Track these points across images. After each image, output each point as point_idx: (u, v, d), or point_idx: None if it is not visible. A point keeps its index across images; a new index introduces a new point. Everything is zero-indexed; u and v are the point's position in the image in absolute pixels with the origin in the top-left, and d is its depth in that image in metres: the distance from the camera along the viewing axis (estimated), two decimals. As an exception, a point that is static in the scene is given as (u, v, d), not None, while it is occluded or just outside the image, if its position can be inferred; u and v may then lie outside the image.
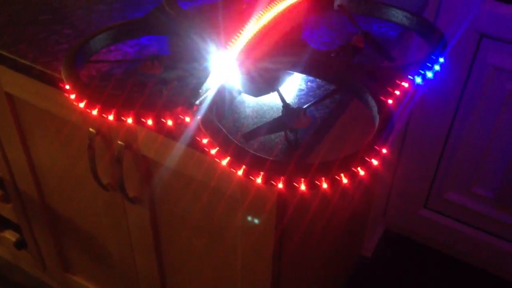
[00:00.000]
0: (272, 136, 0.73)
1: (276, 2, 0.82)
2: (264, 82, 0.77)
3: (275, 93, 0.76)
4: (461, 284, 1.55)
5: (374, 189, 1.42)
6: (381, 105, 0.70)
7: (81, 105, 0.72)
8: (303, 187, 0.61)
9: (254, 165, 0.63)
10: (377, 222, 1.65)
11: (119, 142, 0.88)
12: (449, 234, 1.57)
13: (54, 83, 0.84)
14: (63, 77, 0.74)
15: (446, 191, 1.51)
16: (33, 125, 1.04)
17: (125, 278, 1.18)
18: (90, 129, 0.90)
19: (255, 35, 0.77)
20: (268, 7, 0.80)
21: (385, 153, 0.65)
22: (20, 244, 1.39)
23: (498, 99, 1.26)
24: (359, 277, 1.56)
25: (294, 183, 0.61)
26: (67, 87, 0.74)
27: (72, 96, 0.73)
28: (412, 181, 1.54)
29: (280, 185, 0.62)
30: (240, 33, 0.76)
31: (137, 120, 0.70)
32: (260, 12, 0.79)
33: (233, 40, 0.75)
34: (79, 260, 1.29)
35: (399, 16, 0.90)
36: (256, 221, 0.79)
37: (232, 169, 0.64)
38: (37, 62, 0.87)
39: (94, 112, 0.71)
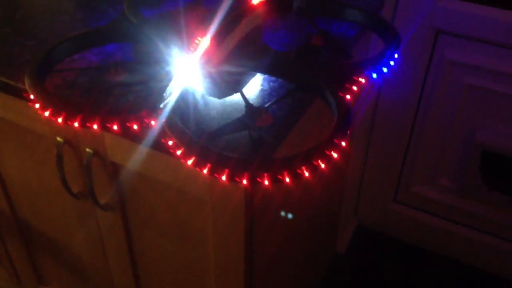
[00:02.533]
0: (237, 135, 0.75)
1: (236, 6, 0.84)
2: (226, 84, 0.79)
3: (239, 94, 0.78)
4: (434, 275, 1.59)
5: (343, 186, 1.45)
6: (339, 100, 0.72)
7: (46, 114, 0.73)
8: (266, 182, 0.63)
9: (219, 163, 0.65)
10: (349, 219, 1.68)
11: (87, 149, 0.89)
12: (419, 226, 1.61)
13: (18, 94, 0.85)
14: (26, 86, 0.75)
15: (413, 184, 1.55)
16: (-1, 137, 1.04)
17: (100, 285, 1.18)
18: (58, 138, 0.90)
19: (216, 38, 0.79)
20: (228, 11, 0.83)
21: (345, 146, 0.67)
22: (-8, 260, 1.37)
23: (457, 92, 1.31)
24: (334, 274, 1.58)
25: (258, 179, 0.63)
26: (32, 97, 0.75)
27: (37, 106, 0.74)
28: (380, 177, 1.58)
29: (244, 181, 0.64)
30: (201, 37, 0.78)
31: (103, 126, 0.71)
32: (221, 16, 0.81)
33: (195, 44, 0.77)
34: (53, 271, 1.29)
35: (355, 16, 0.94)
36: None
37: (197, 168, 0.66)
38: (0, 74, 0.87)
39: (59, 120, 0.72)
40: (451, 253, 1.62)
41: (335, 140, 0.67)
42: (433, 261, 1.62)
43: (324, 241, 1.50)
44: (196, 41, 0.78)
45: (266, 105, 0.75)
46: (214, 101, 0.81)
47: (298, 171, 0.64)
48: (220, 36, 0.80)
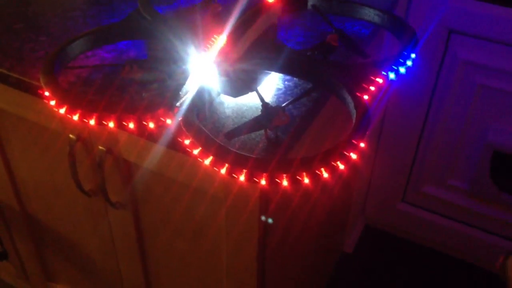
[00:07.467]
0: (253, 135, 0.74)
1: (251, 4, 0.83)
2: (242, 83, 0.79)
3: (254, 93, 0.77)
4: (442, 275, 1.58)
5: (353, 185, 1.45)
6: (357, 100, 0.72)
7: (62, 111, 0.72)
8: (285, 182, 0.63)
9: (237, 163, 0.64)
10: (357, 218, 1.67)
11: (100, 147, 0.88)
12: (427, 227, 1.60)
13: (32, 91, 0.84)
14: (42, 83, 0.74)
15: (422, 184, 1.54)
16: (11, 133, 1.03)
17: (110, 284, 1.17)
18: (70, 136, 0.90)
19: (231, 36, 0.79)
20: (244, 9, 0.82)
21: (363, 147, 0.67)
22: (1, 256, 1.37)
23: (469, 93, 1.30)
24: (341, 273, 1.58)
25: (276, 179, 0.63)
26: (46, 93, 0.74)
27: (52, 103, 0.73)
28: (389, 176, 1.57)
29: (263, 182, 0.63)
30: (217, 35, 0.77)
31: (119, 124, 0.71)
32: (236, 14, 0.81)
33: (210, 42, 0.77)
34: (62, 268, 1.28)
35: (370, 14, 0.93)
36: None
37: (215, 168, 0.65)
38: (13, 70, 0.87)
39: (75, 117, 0.72)
40: (459, 253, 1.61)
41: (354, 141, 0.66)
42: (441, 261, 1.62)
43: (333, 240, 1.50)
44: (212, 39, 0.77)
45: (283, 105, 0.75)
46: (229, 99, 0.81)
47: (317, 172, 0.64)
48: (236, 34, 0.79)
